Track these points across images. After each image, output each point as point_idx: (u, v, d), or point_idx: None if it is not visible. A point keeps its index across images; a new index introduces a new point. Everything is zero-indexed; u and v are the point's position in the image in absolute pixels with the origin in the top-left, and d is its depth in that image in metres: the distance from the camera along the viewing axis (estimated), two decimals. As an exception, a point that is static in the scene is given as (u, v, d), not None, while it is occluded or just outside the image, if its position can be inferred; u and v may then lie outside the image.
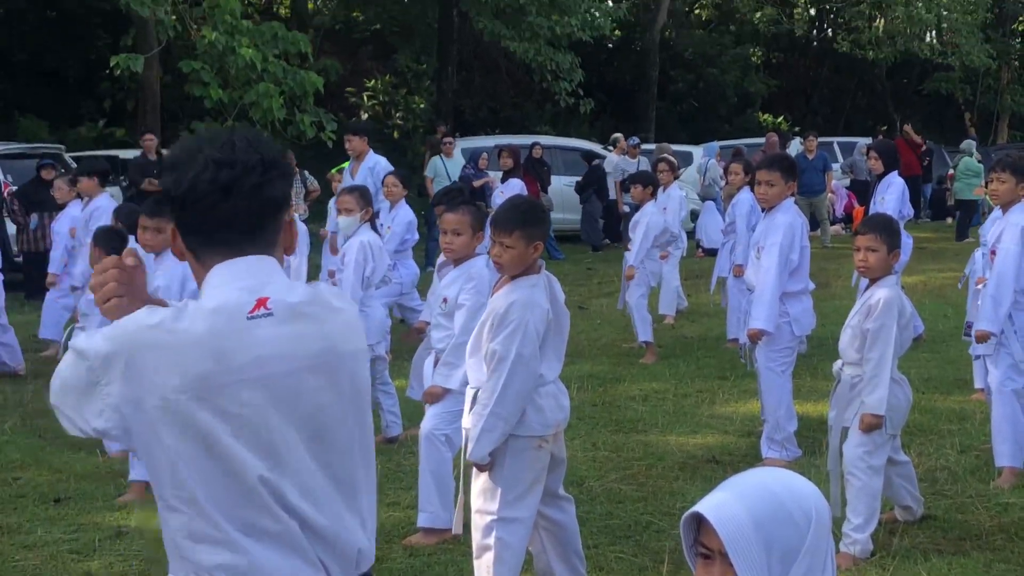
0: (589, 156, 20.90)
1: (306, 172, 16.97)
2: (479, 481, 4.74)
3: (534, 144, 20.21)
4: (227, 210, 2.33)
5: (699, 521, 2.05)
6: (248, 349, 2.27)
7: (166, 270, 6.90)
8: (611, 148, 22.21)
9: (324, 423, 2.33)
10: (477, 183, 17.65)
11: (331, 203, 12.69)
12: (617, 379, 9.89)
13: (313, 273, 12.34)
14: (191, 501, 2.24)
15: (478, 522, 4.72)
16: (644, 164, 19.54)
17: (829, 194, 20.58)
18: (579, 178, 21.04)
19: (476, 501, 4.73)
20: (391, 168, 11.79)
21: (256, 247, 2.37)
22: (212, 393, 2.22)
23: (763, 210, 7.63)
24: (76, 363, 2.27)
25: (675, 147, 22.04)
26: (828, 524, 2.07)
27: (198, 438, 2.22)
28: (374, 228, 8.17)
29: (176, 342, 2.23)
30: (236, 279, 2.34)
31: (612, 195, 20.48)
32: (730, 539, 1.97)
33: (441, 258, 6.34)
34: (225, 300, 2.31)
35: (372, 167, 11.66)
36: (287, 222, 2.43)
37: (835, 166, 22.95)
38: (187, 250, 2.40)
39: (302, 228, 10.18)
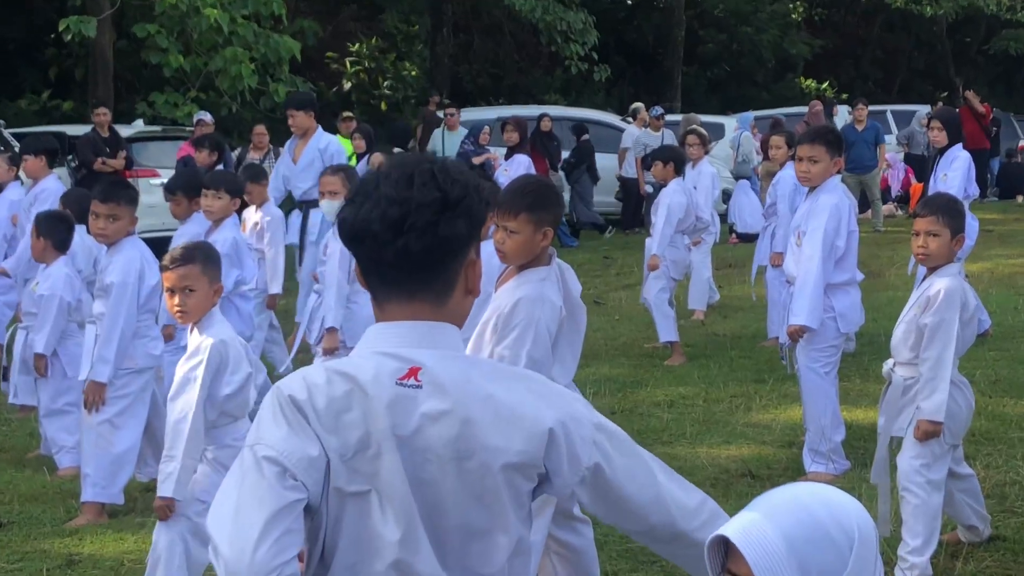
0: (578, 130, 20.81)
1: (281, 149, 16.96)
2: None
3: (542, 116, 20.21)
4: (396, 249, 2.50)
5: (727, 545, 2.07)
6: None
7: (122, 264, 6.93)
8: (631, 120, 22.22)
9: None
10: (477, 160, 17.66)
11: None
12: (639, 383, 9.90)
13: (293, 265, 12.35)
14: None
15: None
16: (669, 138, 19.52)
17: (882, 170, 20.58)
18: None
19: None
20: (342, 150, 11.73)
21: (429, 291, 2.56)
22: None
23: (806, 190, 7.64)
24: None
25: (704, 118, 22.06)
26: (874, 546, 2.08)
27: None
28: None
29: None
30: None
31: (630, 172, 20.48)
32: (760, 565, 1.98)
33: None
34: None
35: (324, 148, 11.52)
36: (470, 262, 2.59)
37: (888, 138, 22.95)
38: (368, 288, 2.62)
39: (277, 215, 10.18)
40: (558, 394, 2.61)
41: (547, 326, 4.65)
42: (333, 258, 7.75)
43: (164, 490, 5.22)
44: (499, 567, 2.55)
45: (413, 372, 2.50)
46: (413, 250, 2.50)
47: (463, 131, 19.03)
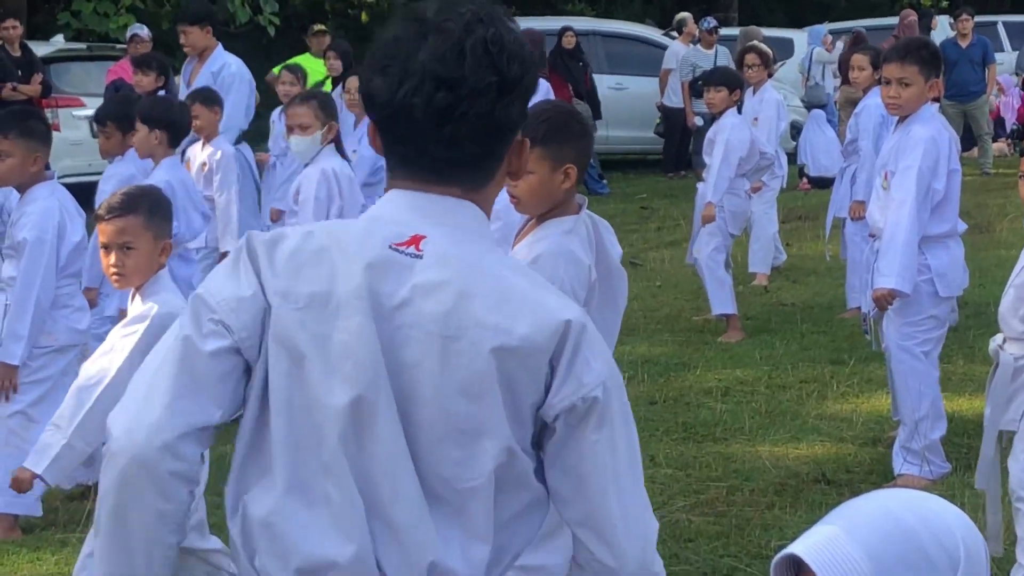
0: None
1: (177, 79, 16.96)
2: None
3: (564, 30, 20.17)
4: (440, 138, 2.63)
5: (798, 566, 2.07)
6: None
7: (37, 216, 6.89)
8: (675, 35, 22.15)
9: None
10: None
11: (273, 115, 12.72)
12: (685, 365, 9.90)
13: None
14: None
15: None
16: (724, 57, 19.47)
17: (991, 98, 20.51)
18: (627, 77, 20.98)
19: None
20: (242, 74, 11.62)
21: (465, 178, 2.70)
22: None
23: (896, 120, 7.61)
24: None
25: (767, 32, 21.95)
26: (983, 566, 2.08)
27: None
28: (340, 151, 8.19)
29: None
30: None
31: (675, 101, 20.44)
32: (839, 588, 1.98)
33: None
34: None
35: (217, 71, 11.44)
36: (517, 143, 2.73)
37: (1000, 57, 22.86)
38: (385, 158, 2.76)
39: (229, 151, 10.17)
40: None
41: (572, 289, 4.55)
42: (307, 205, 7.75)
43: (34, 463, 5.20)
44: (479, 484, 2.63)
45: (415, 240, 2.65)
46: (459, 140, 2.63)
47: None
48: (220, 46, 11.65)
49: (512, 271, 2.70)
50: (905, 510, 2.06)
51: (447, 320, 2.59)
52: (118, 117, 8.60)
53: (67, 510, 7.27)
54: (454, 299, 2.60)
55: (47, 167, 7.21)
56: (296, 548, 2.63)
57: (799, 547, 2.06)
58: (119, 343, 5.20)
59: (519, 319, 2.60)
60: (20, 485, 5.26)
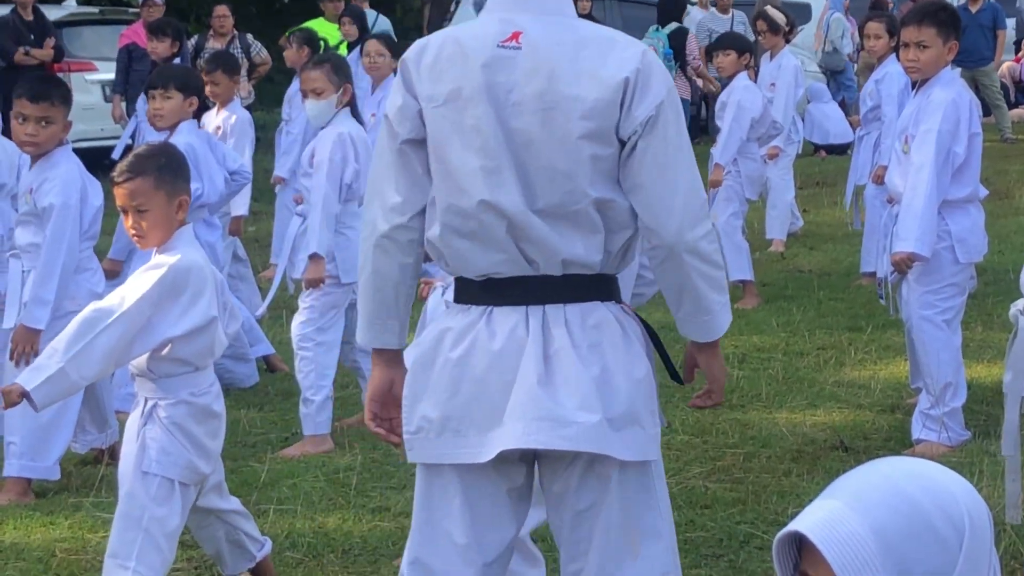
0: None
1: (249, 37, 16.93)
2: None
3: (580, -7, 20.10)
4: None
5: (801, 542, 2.05)
6: None
7: (61, 181, 6.83)
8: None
9: None
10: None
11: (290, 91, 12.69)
12: (701, 332, 9.89)
13: (263, 181, 12.36)
14: None
15: None
16: (742, 22, 19.40)
17: (1004, 63, 20.41)
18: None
19: None
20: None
21: None
22: None
23: (913, 84, 7.57)
24: None
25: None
26: (988, 537, 2.06)
27: None
28: (355, 115, 8.16)
29: None
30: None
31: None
32: (845, 567, 1.97)
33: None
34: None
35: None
36: None
37: (1011, 23, 22.74)
38: None
39: (244, 116, 10.15)
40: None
41: None
42: (321, 170, 7.73)
43: (27, 380, 5.09)
44: (584, 206, 3.80)
45: (515, 36, 3.81)
46: None
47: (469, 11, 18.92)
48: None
49: (585, 44, 3.82)
50: (909, 481, 2.04)
51: (543, 97, 3.77)
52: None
53: (80, 475, 7.28)
54: (546, 81, 3.77)
55: None
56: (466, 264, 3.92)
57: (802, 524, 2.04)
58: (132, 284, 5.20)
59: (592, 87, 3.76)
60: (7, 397, 5.18)
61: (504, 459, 3.85)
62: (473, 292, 3.93)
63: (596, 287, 3.91)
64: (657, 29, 18.69)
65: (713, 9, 20.47)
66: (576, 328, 3.86)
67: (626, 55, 3.80)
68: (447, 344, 3.91)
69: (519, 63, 3.77)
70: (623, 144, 3.80)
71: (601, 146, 3.79)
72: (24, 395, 5.08)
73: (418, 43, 3.92)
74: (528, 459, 3.95)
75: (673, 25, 18.77)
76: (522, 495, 4.00)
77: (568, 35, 3.82)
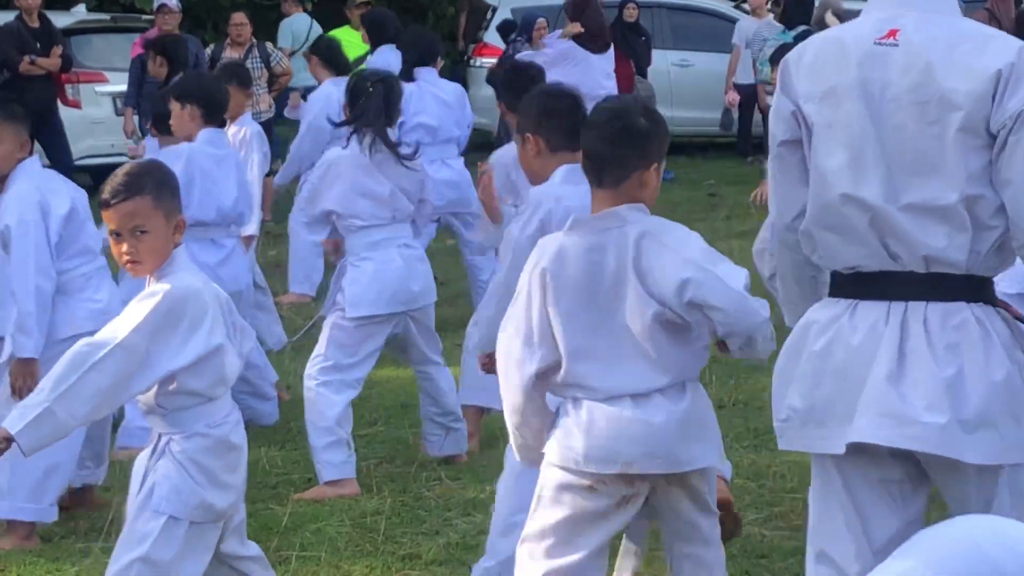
0: (507, 28, 19.93)
1: (269, 46, 16.98)
2: None
3: (626, 2, 20.10)
4: None
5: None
6: None
7: (13, 201, 6.86)
8: (746, 6, 22.06)
9: None
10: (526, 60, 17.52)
11: (311, 98, 12.71)
12: (756, 367, 9.75)
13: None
14: None
15: None
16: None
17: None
18: (693, 53, 20.89)
19: None
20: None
21: None
22: None
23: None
24: None
25: (848, 3, 21.84)
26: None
27: None
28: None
29: None
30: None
31: (747, 78, 20.35)
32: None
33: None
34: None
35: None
36: None
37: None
38: None
39: (256, 129, 10.20)
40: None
41: None
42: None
43: (11, 423, 4.88)
44: (952, 202, 4.03)
45: (892, 33, 4.12)
46: None
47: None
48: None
49: (963, 39, 4.10)
50: (994, 544, 1.98)
51: (918, 91, 4.05)
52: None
53: (88, 518, 7.27)
54: (921, 75, 4.05)
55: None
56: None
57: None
58: (126, 315, 5.06)
59: (966, 79, 4.01)
60: None
61: (872, 451, 4.13)
62: (843, 285, 4.25)
63: (963, 288, 4.11)
64: (784, 31, 18.71)
65: (769, 17, 20.44)
66: (935, 328, 4.07)
67: (1002, 49, 4.05)
68: (812, 335, 4.23)
69: (895, 59, 4.08)
70: (994, 138, 4.03)
71: (973, 139, 4.03)
72: (9, 440, 4.90)
73: (801, 44, 4.38)
74: (901, 454, 4.16)
75: (800, 28, 18.79)
76: (903, 489, 4.23)
77: (946, 31, 4.10)
